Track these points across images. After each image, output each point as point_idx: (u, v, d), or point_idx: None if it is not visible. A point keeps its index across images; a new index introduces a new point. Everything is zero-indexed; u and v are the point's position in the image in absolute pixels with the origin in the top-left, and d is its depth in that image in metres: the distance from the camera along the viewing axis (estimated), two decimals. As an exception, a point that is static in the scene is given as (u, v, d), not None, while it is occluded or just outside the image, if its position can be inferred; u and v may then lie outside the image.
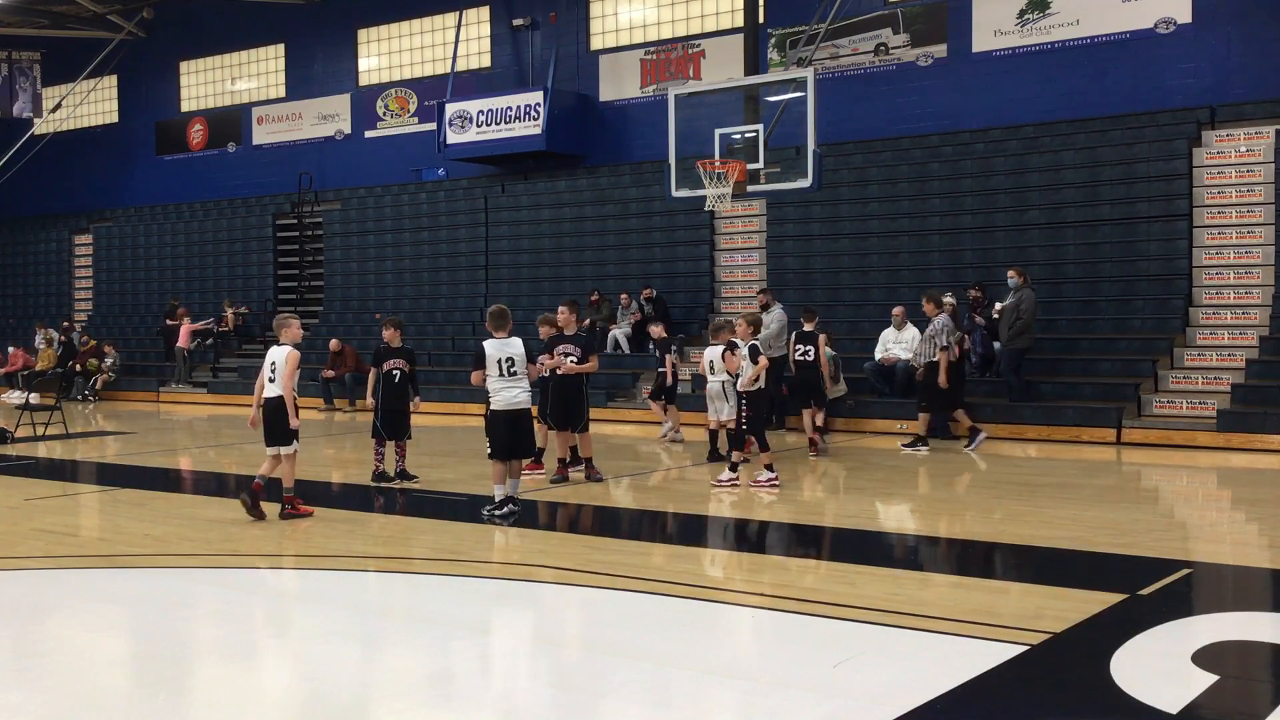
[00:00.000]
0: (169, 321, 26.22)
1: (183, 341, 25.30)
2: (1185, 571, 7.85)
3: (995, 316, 16.29)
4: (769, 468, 11.49)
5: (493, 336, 9.96)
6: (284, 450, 9.81)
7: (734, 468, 11.74)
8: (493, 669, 6.09)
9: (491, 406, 9.94)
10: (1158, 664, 5.83)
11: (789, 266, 20.79)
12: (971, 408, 15.07)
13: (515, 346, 9.89)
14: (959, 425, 14.91)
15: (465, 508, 10.58)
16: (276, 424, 9.79)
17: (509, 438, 9.87)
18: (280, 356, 9.78)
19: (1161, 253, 17.56)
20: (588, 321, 21.16)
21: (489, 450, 10.09)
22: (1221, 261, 17.06)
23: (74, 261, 32.01)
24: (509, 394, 9.82)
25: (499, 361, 9.79)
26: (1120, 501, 11.19)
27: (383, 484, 11.83)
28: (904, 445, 14.57)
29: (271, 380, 9.80)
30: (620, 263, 22.74)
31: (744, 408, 11.61)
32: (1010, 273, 16.04)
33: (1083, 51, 19.60)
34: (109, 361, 25.20)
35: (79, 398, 24.53)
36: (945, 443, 14.99)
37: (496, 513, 9.76)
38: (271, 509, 9.91)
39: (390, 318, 12.41)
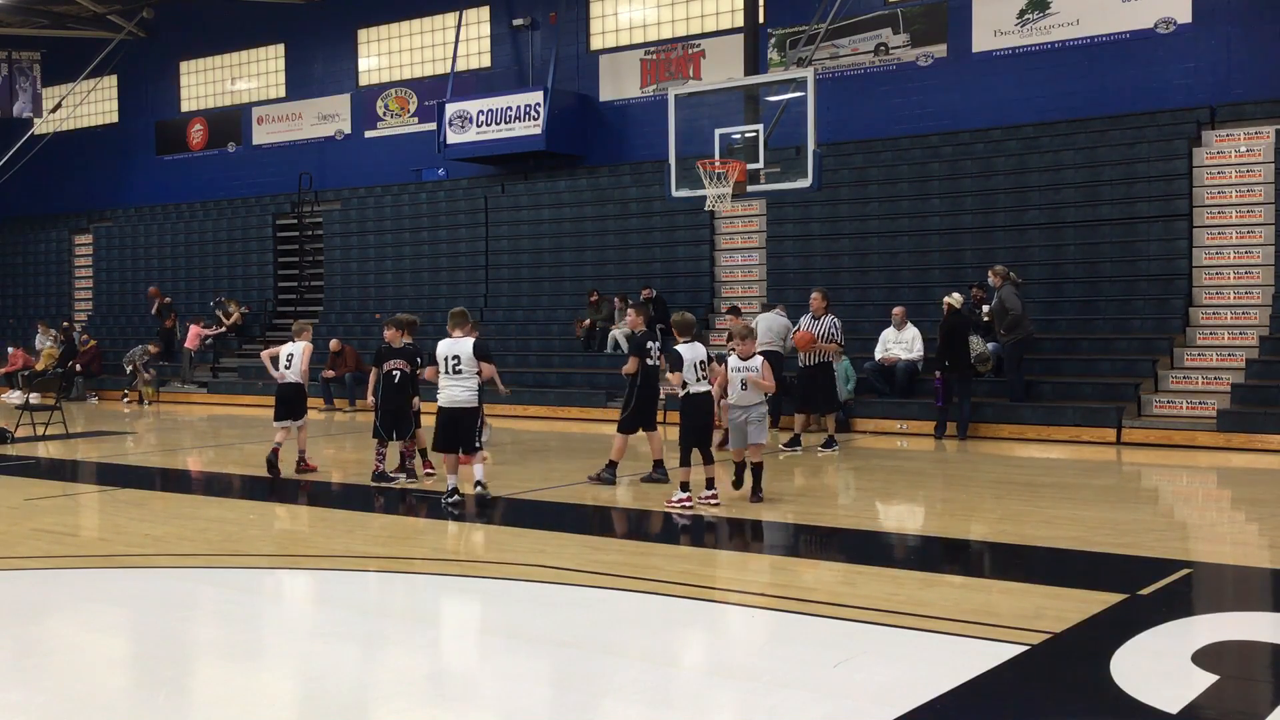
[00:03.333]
0: (166, 324, 26.25)
1: (190, 343, 25.29)
2: (1185, 571, 7.85)
3: (986, 319, 16.37)
4: (684, 486, 10.41)
5: (449, 336, 10.70)
6: (297, 422, 12.46)
7: (710, 483, 10.49)
8: (492, 669, 6.09)
9: (439, 403, 10.63)
10: (1158, 664, 5.83)
11: (789, 266, 20.78)
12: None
13: (463, 346, 10.58)
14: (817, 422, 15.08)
15: (465, 508, 10.57)
16: (296, 402, 12.39)
17: (444, 432, 10.59)
18: (298, 350, 12.33)
19: (1161, 253, 17.55)
20: (587, 322, 21.20)
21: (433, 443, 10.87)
22: (1221, 261, 17.05)
23: (74, 261, 31.97)
24: (450, 392, 10.56)
25: (445, 359, 10.56)
26: (1120, 501, 11.19)
27: (383, 484, 11.84)
28: (819, 448, 14.31)
29: (288, 369, 12.33)
30: (620, 263, 22.73)
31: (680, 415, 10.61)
32: (989, 274, 16.14)
33: (1083, 51, 19.59)
34: (145, 360, 25.04)
35: (125, 400, 24.81)
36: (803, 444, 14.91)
37: (448, 500, 10.49)
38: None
39: (391, 318, 12.44)
